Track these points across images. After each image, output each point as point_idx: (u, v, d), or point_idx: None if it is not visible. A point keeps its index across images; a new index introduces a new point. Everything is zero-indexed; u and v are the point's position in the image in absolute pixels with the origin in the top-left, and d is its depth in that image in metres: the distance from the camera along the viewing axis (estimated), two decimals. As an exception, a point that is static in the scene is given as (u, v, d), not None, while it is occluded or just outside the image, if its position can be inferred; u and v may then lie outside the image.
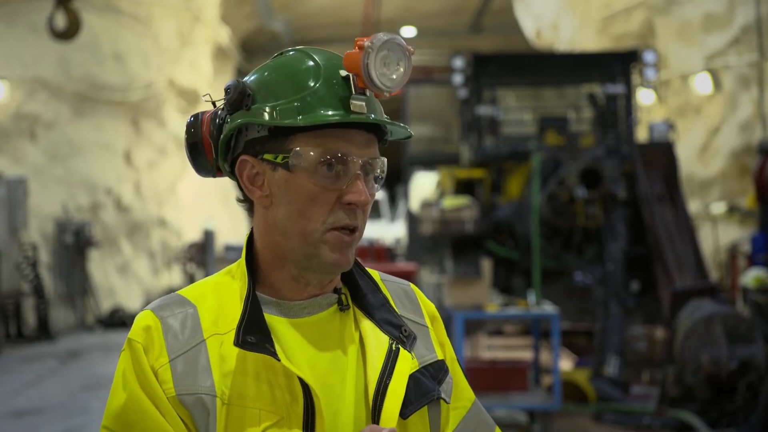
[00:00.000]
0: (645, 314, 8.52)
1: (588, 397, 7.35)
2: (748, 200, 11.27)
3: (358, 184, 1.31)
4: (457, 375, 1.47)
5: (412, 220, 11.75)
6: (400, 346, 1.37)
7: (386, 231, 19.81)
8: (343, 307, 1.39)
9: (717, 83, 12.51)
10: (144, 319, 1.33)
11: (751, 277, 7.96)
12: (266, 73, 1.35)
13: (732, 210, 11.62)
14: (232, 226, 19.68)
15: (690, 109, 13.22)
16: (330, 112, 1.28)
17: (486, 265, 6.94)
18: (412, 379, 1.36)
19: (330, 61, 1.32)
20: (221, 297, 1.36)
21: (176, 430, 1.27)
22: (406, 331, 1.40)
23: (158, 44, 15.38)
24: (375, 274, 1.48)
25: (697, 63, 12.68)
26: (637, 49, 9.54)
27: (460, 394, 1.47)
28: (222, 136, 1.35)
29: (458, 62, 9.20)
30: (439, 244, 8.63)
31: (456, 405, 1.46)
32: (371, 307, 1.40)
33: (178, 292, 1.39)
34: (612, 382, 7.47)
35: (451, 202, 8.32)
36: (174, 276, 16.53)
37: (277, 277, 1.36)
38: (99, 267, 14.53)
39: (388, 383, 1.33)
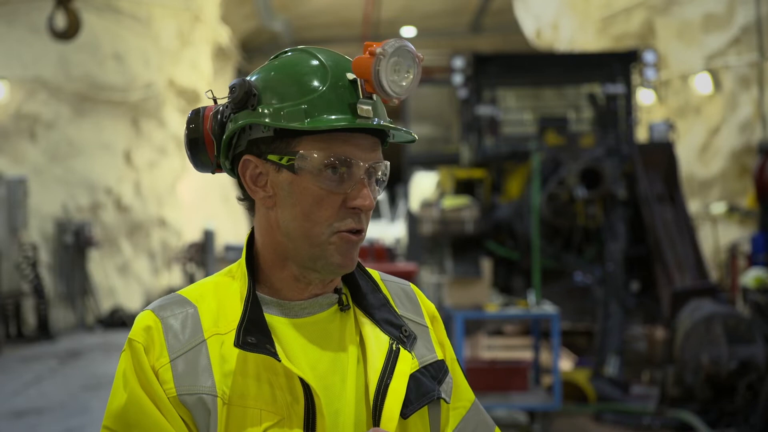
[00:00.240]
0: (645, 314, 8.53)
1: (588, 397, 7.35)
2: (748, 200, 11.27)
3: (363, 188, 1.31)
4: (456, 375, 1.48)
5: (412, 220, 11.74)
6: (400, 346, 1.37)
7: (386, 231, 19.83)
8: (343, 307, 1.39)
9: (717, 83, 12.51)
10: (144, 319, 1.33)
11: (751, 277, 7.97)
12: (272, 73, 1.34)
13: (732, 210, 11.62)
14: (232, 226, 19.68)
15: (690, 109, 13.23)
16: (336, 117, 1.28)
17: (486, 265, 6.94)
18: (413, 379, 1.36)
19: (336, 63, 1.32)
20: (221, 297, 1.36)
21: (177, 430, 1.27)
22: (406, 331, 1.40)
23: (158, 44, 15.38)
24: (375, 274, 1.48)
25: (697, 63, 12.69)
26: (637, 49, 9.54)
27: (460, 394, 1.47)
28: (225, 135, 1.34)
29: (458, 62, 9.20)
30: (439, 244, 8.63)
31: (456, 405, 1.46)
32: (372, 307, 1.40)
33: (178, 292, 1.39)
34: (612, 382, 7.47)
35: (451, 202, 8.32)
36: (174, 276, 16.54)
37: (278, 277, 1.36)
38: (99, 267, 14.53)
39: (389, 383, 1.33)
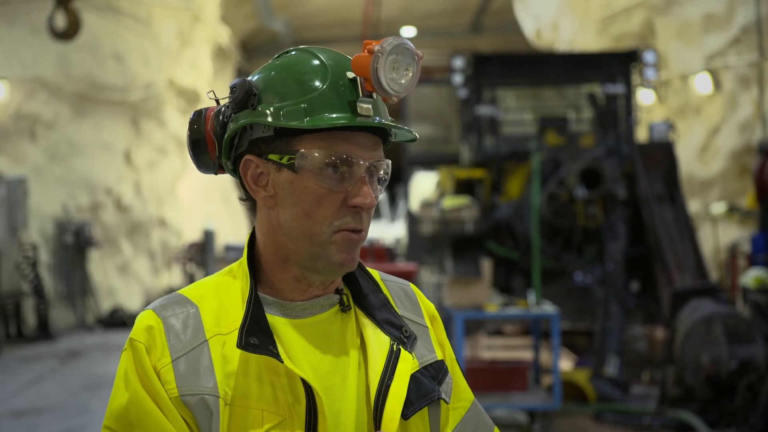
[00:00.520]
0: (645, 314, 8.53)
1: (588, 397, 7.35)
2: (748, 200, 11.27)
3: (364, 187, 1.31)
4: (456, 375, 1.48)
5: (412, 220, 11.73)
6: (400, 346, 1.37)
7: (386, 231, 19.83)
8: (344, 308, 1.39)
9: (717, 83, 12.52)
10: (146, 319, 1.33)
11: (751, 277, 7.96)
12: (272, 73, 1.34)
13: (732, 210, 11.62)
14: (232, 226, 19.69)
15: (690, 109, 13.23)
16: (337, 115, 1.28)
17: (486, 265, 6.94)
18: (413, 379, 1.36)
19: (337, 62, 1.32)
20: (222, 297, 1.36)
21: (179, 430, 1.27)
22: (406, 331, 1.40)
23: (158, 44, 15.38)
24: (375, 273, 1.48)
25: (697, 63, 12.69)
26: (637, 49, 9.54)
27: (460, 394, 1.47)
28: (226, 135, 1.34)
29: (458, 62, 9.19)
30: (439, 244, 8.62)
31: (455, 405, 1.46)
32: (372, 308, 1.40)
33: (178, 291, 1.39)
34: (612, 382, 7.47)
35: (451, 202, 8.32)
36: (174, 276, 16.54)
37: (279, 277, 1.36)
38: (99, 267, 14.53)
39: (390, 384, 1.33)
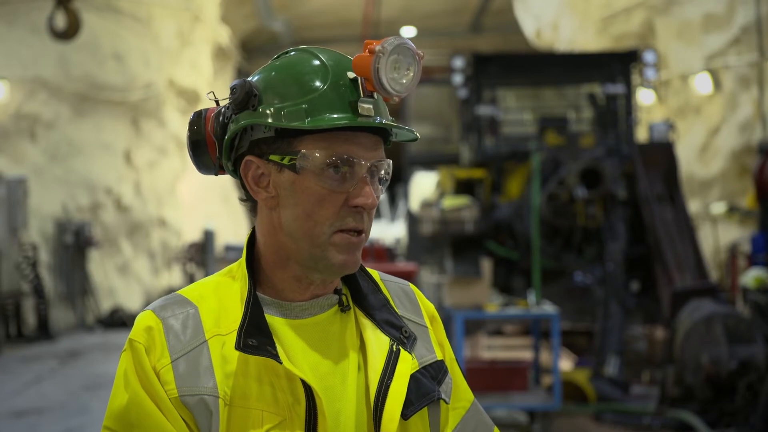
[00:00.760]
0: (645, 314, 8.53)
1: (588, 397, 7.35)
2: (748, 200, 11.27)
3: (365, 187, 1.31)
4: (456, 375, 1.48)
5: (412, 220, 11.74)
6: (400, 347, 1.37)
7: (386, 231, 19.82)
8: (344, 308, 1.39)
9: (717, 83, 12.52)
10: (145, 320, 1.33)
11: (751, 277, 7.96)
12: (273, 73, 1.34)
13: (732, 210, 11.62)
14: (232, 226, 19.68)
15: (690, 109, 13.23)
16: (338, 116, 1.27)
17: (486, 265, 6.94)
18: (413, 379, 1.36)
19: (337, 63, 1.32)
20: (222, 297, 1.36)
21: (178, 430, 1.27)
22: (406, 332, 1.40)
23: (158, 44, 15.38)
24: (375, 274, 1.48)
25: (697, 63, 12.69)
26: (637, 49, 9.54)
27: (459, 394, 1.47)
28: (227, 136, 1.34)
29: (458, 62, 9.19)
30: (439, 244, 8.62)
31: (455, 405, 1.46)
32: (372, 308, 1.40)
33: (178, 291, 1.38)
34: (612, 382, 7.47)
35: (451, 202, 8.32)
36: (174, 276, 16.54)
37: (279, 277, 1.36)
38: (99, 267, 14.53)
39: (389, 384, 1.33)
